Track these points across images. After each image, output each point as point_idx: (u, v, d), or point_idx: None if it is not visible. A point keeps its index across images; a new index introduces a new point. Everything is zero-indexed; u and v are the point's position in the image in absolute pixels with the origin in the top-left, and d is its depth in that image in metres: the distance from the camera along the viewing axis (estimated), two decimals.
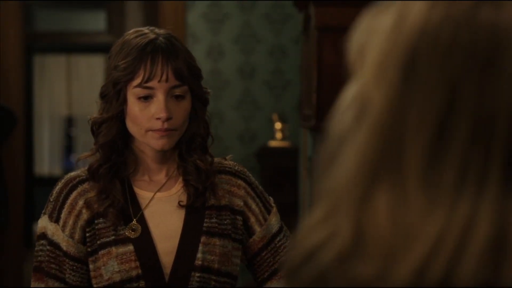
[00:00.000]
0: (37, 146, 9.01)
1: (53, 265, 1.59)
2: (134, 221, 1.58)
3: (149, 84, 1.53)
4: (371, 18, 0.61)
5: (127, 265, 1.55)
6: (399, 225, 0.55)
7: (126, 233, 1.57)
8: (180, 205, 1.61)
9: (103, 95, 1.60)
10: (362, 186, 0.57)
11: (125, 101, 1.56)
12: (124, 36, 1.60)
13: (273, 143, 4.36)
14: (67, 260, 1.58)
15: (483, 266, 0.53)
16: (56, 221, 1.59)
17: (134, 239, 1.56)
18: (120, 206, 1.58)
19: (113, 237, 1.57)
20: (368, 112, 0.58)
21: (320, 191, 0.61)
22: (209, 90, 1.65)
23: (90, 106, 9.26)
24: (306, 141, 3.59)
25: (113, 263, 1.55)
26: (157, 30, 1.59)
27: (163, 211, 1.61)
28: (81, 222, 1.59)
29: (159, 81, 1.53)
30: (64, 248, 1.58)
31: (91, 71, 9.21)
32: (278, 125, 4.35)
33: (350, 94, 0.61)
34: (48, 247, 1.60)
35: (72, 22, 8.45)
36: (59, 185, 1.62)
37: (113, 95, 1.57)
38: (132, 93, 1.55)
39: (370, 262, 0.56)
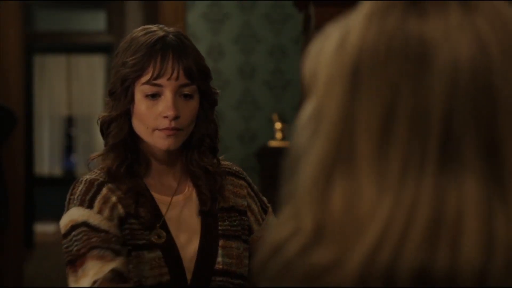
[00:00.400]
0: (37, 146, 9.01)
1: (99, 243, 1.44)
2: (158, 227, 1.53)
3: (158, 81, 1.50)
4: (319, 42, 0.71)
5: (156, 270, 1.50)
6: (353, 214, 0.63)
7: (152, 239, 1.52)
8: (198, 210, 1.58)
9: (111, 93, 1.56)
10: (320, 184, 0.66)
11: (133, 98, 1.53)
12: (132, 33, 1.57)
13: (273, 143, 4.36)
14: (112, 236, 1.46)
15: (424, 247, 0.61)
16: (89, 207, 1.48)
17: (161, 245, 1.52)
18: (150, 206, 1.53)
19: (144, 241, 1.51)
20: (323, 123, 0.67)
21: (285, 194, 0.69)
22: (218, 91, 1.63)
23: (90, 106, 9.28)
24: None
25: (144, 267, 1.50)
26: (166, 28, 1.56)
27: (182, 216, 1.58)
28: (116, 215, 1.49)
29: (168, 79, 1.50)
30: (106, 228, 1.46)
31: (91, 71, 9.21)
32: (278, 125, 4.35)
33: (307, 111, 0.69)
34: (84, 228, 1.46)
35: (72, 22, 8.45)
36: (82, 186, 1.52)
37: (121, 92, 1.53)
38: (140, 90, 1.52)
39: (328, 250, 0.63)
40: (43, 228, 8.11)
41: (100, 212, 1.48)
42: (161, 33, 1.53)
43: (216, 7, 4.39)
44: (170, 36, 1.53)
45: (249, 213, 1.64)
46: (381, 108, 0.64)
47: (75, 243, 1.46)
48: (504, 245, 0.61)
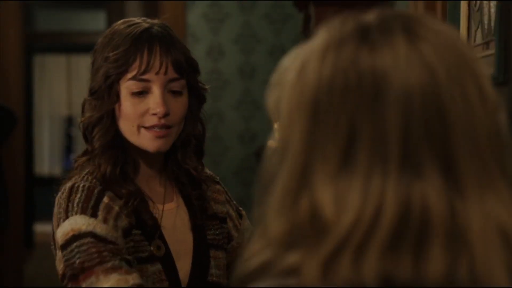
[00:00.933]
0: (37, 146, 9.01)
1: (105, 253, 1.29)
2: (157, 238, 1.41)
3: (145, 77, 1.36)
4: (281, 73, 0.77)
5: (158, 284, 1.38)
6: (317, 222, 0.68)
7: (154, 251, 1.39)
8: (189, 220, 1.47)
9: (92, 92, 1.42)
10: (287, 202, 0.71)
11: (117, 96, 1.39)
12: (112, 27, 1.43)
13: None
14: (118, 247, 1.32)
15: (387, 255, 0.66)
16: (93, 215, 1.33)
17: (160, 257, 1.40)
18: (151, 214, 1.41)
19: (147, 253, 1.38)
20: (288, 154, 0.72)
21: (257, 217, 0.74)
22: (206, 87, 1.48)
23: None
24: None
25: (147, 282, 1.36)
26: (150, 20, 1.43)
27: (174, 226, 1.45)
28: (121, 225, 1.35)
29: (156, 73, 1.37)
30: (113, 239, 1.32)
31: None
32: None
33: (275, 139, 0.77)
34: (89, 239, 1.30)
35: (72, 22, 8.45)
36: (80, 193, 1.36)
37: (104, 90, 1.39)
38: (125, 87, 1.38)
39: (293, 256, 0.68)
40: (43, 228, 8.09)
41: (105, 221, 1.33)
42: (145, 25, 1.40)
43: (216, 7, 4.39)
44: (155, 27, 1.40)
45: (228, 219, 1.53)
46: (341, 140, 0.69)
47: (78, 255, 1.30)
48: (463, 228, 0.67)
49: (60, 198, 1.39)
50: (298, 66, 0.73)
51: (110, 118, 1.40)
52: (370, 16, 0.73)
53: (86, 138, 1.43)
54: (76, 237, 1.31)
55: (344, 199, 0.68)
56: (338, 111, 0.69)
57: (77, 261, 1.29)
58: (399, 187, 0.67)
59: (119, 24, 1.42)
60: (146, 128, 1.38)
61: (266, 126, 4.48)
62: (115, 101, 1.39)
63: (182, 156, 1.46)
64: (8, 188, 4.45)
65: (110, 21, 7.22)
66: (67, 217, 1.34)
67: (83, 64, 9.18)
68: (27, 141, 6.38)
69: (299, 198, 0.70)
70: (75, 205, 1.35)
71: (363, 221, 0.66)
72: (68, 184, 1.40)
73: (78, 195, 1.36)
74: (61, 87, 9.31)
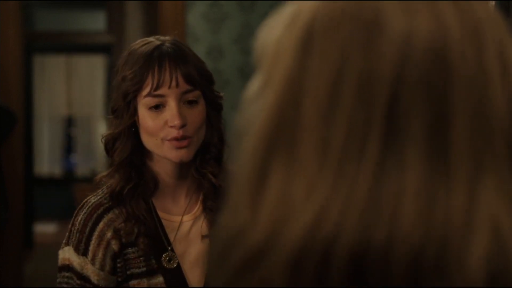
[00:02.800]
0: (37, 146, 9.01)
1: None
2: (169, 250, 1.51)
3: (159, 92, 1.46)
4: (270, 22, 0.68)
5: None
6: (289, 197, 0.60)
7: (164, 264, 1.50)
8: (206, 231, 1.54)
9: (113, 110, 1.53)
10: (259, 162, 0.62)
11: (135, 112, 1.49)
12: (130, 47, 1.54)
13: None
14: None
15: (362, 225, 0.58)
16: (84, 254, 1.51)
17: (164, 270, 1.49)
18: (150, 234, 1.50)
19: (144, 268, 1.50)
20: (267, 94, 0.63)
21: (232, 176, 0.65)
22: (221, 94, 1.58)
23: (90, 106, 9.28)
24: None
25: None
26: (162, 38, 1.54)
27: (189, 237, 1.54)
28: (110, 253, 1.50)
29: (169, 87, 1.46)
30: (95, 282, 1.50)
31: (91, 71, 9.21)
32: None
33: (254, 85, 0.67)
34: (77, 281, 1.51)
35: (72, 22, 8.45)
36: (82, 215, 1.53)
37: (124, 107, 1.50)
38: (143, 103, 1.48)
39: (262, 231, 0.60)
40: (43, 228, 8.10)
41: (94, 257, 1.50)
42: (156, 43, 1.51)
43: (216, 7, 4.39)
44: (166, 44, 1.50)
45: None
46: (329, 74, 0.61)
47: (64, 286, 1.52)
48: (441, 222, 0.58)
49: (76, 211, 1.56)
50: (291, 12, 0.66)
51: (127, 133, 1.51)
52: None
53: (108, 152, 1.55)
54: (69, 268, 1.51)
55: (321, 168, 0.59)
56: (331, 40, 0.61)
57: None
58: (376, 166, 0.59)
59: (135, 44, 1.54)
60: (168, 140, 1.47)
61: None
62: (133, 117, 1.50)
63: (201, 162, 1.54)
64: (8, 188, 4.44)
65: (110, 21, 7.23)
66: (67, 243, 1.53)
67: (83, 64, 9.19)
68: (27, 141, 6.38)
69: (272, 164, 0.61)
70: (74, 232, 1.52)
71: (336, 198, 0.58)
72: (86, 199, 1.56)
73: (81, 217, 1.52)
74: (61, 87, 9.31)
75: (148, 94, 1.47)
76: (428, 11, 0.61)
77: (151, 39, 1.53)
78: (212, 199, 1.53)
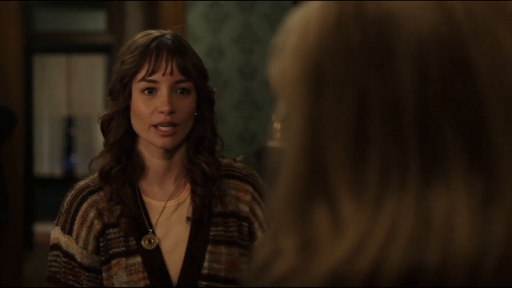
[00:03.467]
0: (37, 146, 9.01)
1: (70, 276, 1.59)
2: (151, 232, 1.58)
3: (153, 78, 1.53)
4: (283, 36, 0.64)
5: (135, 276, 1.55)
6: (336, 232, 0.57)
7: (143, 245, 1.56)
8: (188, 217, 1.60)
9: (110, 92, 1.61)
10: (296, 204, 0.59)
11: (130, 96, 1.56)
12: (132, 38, 1.61)
13: (273, 143, 4.36)
14: (82, 271, 1.58)
15: (413, 247, 0.55)
16: (69, 233, 1.59)
17: (143, 250, 1.56)
18: (132, 216, 1.57)
19: (123, 248, 1.57)
20: (290, 133, 0.60)
21: (269, 207, 0.64)
22: (214, 89, 1.65)
23: (90, 106, 9.28)
24: None
25: (122, 273, 1.55)
26: (164, 31, 1.61)
27: (171, 221, 1.60)
28: (93, 233, 1.58)
29: (163, 74, 1.53)
30: (79, 260, 1.58)
31: (91, 71, 9.21)
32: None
33: (280, 114, 0.64)
34: (63, 259, 1.60)
35: (71, 22, 8.44)
36: (69, 196, 1.62)
37: (120, 90, 1.57)
38: (137, 87, 1.55)
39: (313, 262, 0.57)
40: (42, 228, 8.09)
41: (77, 236, 1.58)
42: (157, 34, 1.58)
43: (216, 7, 4.39)
44: (166, 36, 1.57)
45: (253, 219, 1.63)
46: (350, 112, 0.57)
47: (53, 263, 1.61)
48: (498, 243, 0.55)
49: (66, 193, 1.65)
50: (301, 24, 0.61)
51: (122, 115, 1.57)
52: None
53: (104, 132, 1.62)
54: (57, 246, 1.60)
55: (360, 203, 0.57)
56: (344, 75, 0.57)
57: (52, 269, 1.61)
58: (420, 192, 0.55)
59: (138, 35, 1.61)
60: (154, 126, 1.53)
61: (266, 126, 4.48)
62: (128, 99, 1.56)
63: (194, 152, 1.60)
64: (8, 188, 4.44)
65: (110, 21, 7.23)
66: (57, 223, 1.62)
67: (83, 64, 9.19)
68: (27, 141, 6.38)
69: (311, 198, 0.58)
70: (62, 212, 1.61)
71: (380, 226, 0.55)
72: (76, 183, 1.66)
73: (67, 199, 1.61)
74: (61, 87, 9.31)
75: (143, 79, 1.53)
76: (433, 4, 0.57)
77: (152, 31, 1.60)
78: (202, 186, 1.59)
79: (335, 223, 0.57)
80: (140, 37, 1.59)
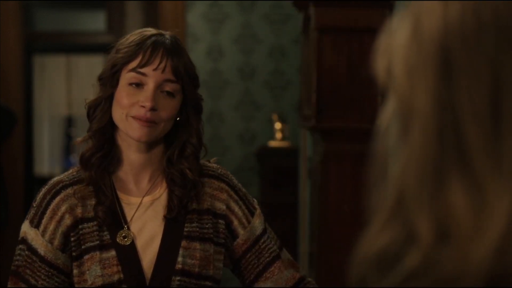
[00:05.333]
0: (37, 146, 9.00)
1: (28, 271, 1.59)
2: (126, 228, 1.58)
3: (143, 70, 1.52)
4: (387, 38, 0.64)
5: (109, 269, 1.54)
6: (477, 211, 0.56)
7: (118, 240, 1.56)
8: (163, 215, 1.59)
9: (100, 78, 1.60)
10: (431, 184, 0.59)
11: (117, 84, 1.55)
12: (131, 33, 1.61)
13: (273, 143, 4.36)
14: (43, 265, 1.57)
15: None
16: (37, 226, 1.58)
17: (118, 245, 1.56)
18: (108, 205, 1.57)
19: (97, 242, 1.56)
20: (414, 119, 0.60)
21: (373, 205, 0.62)
22: (202, 97, 1.63)
23: None
24: (305, 141, 3.59)
25: (96, 267, 1.54)
26: (163, 31, 1.60)
27: (146, 216, 1.60)
28: (62, 228, 1.57)
29: (154, 69, 1.52)
30: (42, 253, 1.57)
31: (91, 71, 9.20)
32: (278, 125, 4.35)
33: (389, 110, 0.63)
34: (26, 252, 1.60)
35: (71, 22, 8.45)
36: (43, 191, 1.61)
37: (109, 77, 1.56)
38: (125, 77, 1.54)
39: (455, 252, 0.57)
40: None
41: (45, 230, 1.57)
42: (155, 32, 1.58)
43: (216, 7, 4.39)
44: (165, 36, 1.57)
45: (231, 217, 1.63)
46: (486, 90, 0.57)
47: (18, 257, 1.62)
48: None
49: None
50: (409, 23, 0.62)
51: (108, 102, 1.57)
52: None
53: (89, 117, 1.62)
54: (21, 241, 1.61)
55: (500, 182, 0.56)
56: (475, 54, 0.57)
57: (16, 263, 1.62)
58: None
59: (137, 30, 1.60)
60: (133, 117, 1.52)
61: (266, 126, 4.48)
62: (114, 88, 1.56)
63: (178, 157, 1.59)
64: (8, 188, 4.45)
65: (110, 21, 7.23)
66: (27, 217, 1.60)
67: (83, 64, 9.19)
68: (27, 141, 6.38)
69: (448, 177, 0.58)
70: (34, 206, 1.60)
71: None
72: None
73: (41, 193, 1.60)
74: (61, 87, 9.31)
75: (133, 70, 1.53)
76: None
77: (152, 29, 1.60)
78: (180, 187, 1.59)
79: (477, 203, 0.57)
80: (139, 32, 1.58)
